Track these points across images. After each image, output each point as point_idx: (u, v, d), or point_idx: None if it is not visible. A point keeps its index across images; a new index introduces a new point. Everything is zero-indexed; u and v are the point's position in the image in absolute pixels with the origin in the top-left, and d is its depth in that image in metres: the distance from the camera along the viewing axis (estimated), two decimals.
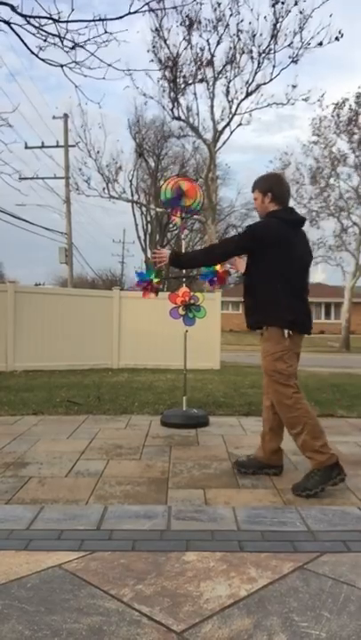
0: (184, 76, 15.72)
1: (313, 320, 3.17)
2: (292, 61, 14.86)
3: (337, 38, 13.92)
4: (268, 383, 3.05)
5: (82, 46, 5.99)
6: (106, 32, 5.89)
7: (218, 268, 4.79)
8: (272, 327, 2.97)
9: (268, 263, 2.97)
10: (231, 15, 14.81)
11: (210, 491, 2.87)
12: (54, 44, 6.05)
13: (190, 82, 15.81)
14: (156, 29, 15.14)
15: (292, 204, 3.31)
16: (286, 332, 2.95)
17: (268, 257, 2.97)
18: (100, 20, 5.91)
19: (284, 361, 2.95)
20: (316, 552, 2.12)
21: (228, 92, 15.97)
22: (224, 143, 17.04)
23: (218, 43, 15.19)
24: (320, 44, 14.22)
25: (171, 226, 30.74)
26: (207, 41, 15.14)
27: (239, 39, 14.95)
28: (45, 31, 5.95)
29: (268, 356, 2.98)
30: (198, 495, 2.80)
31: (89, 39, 5.96)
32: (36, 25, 5.88)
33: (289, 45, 14.57)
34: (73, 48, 6.01)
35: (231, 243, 3.19)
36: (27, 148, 21.06)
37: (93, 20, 5.94)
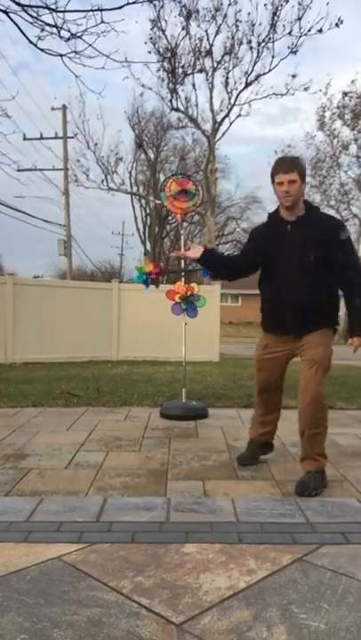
0: (183, 67, 15.61)
1: None
2: (291, 51, 14.76)
3: (337, 25, 13.79)
4: (314, 378, 2.79)
5: (79, 37, 5.91)
6: (103, 22, 5.81)
7: None
8: (330, 329, 2.91)
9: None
10: (230, 5, 14.71)
11: (209, 482, 2.88)
12: (52, 34, 5.98)
13: (189, 72, 15.69)
14: (154, 20, 15.02)
15: None
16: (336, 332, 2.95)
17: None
18: (97, 9, 5.83)
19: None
20: (316, 544, 2.12)
21: (227, 83, 15.87)
22: (223, 134, 16.94)
23: (216, 33, 15.09)
24: (320, 30, 14.09)
25: (170, 218, 30.61)
26: (206, 31, 15.04)
27: (238, 29, 14.85)
28: (42, 21, 5.88)
29: (328, 350, 2.87)
30: (197, 487, 2.81)
31: (86, 30, 5.89)
32: (34, 14, 5.81)
33: (289, 34, 14.45)
34: (69, 39, 5.94)
35: None
36: (25, 139, 20.91)
37: (91, 10, 5.84)
